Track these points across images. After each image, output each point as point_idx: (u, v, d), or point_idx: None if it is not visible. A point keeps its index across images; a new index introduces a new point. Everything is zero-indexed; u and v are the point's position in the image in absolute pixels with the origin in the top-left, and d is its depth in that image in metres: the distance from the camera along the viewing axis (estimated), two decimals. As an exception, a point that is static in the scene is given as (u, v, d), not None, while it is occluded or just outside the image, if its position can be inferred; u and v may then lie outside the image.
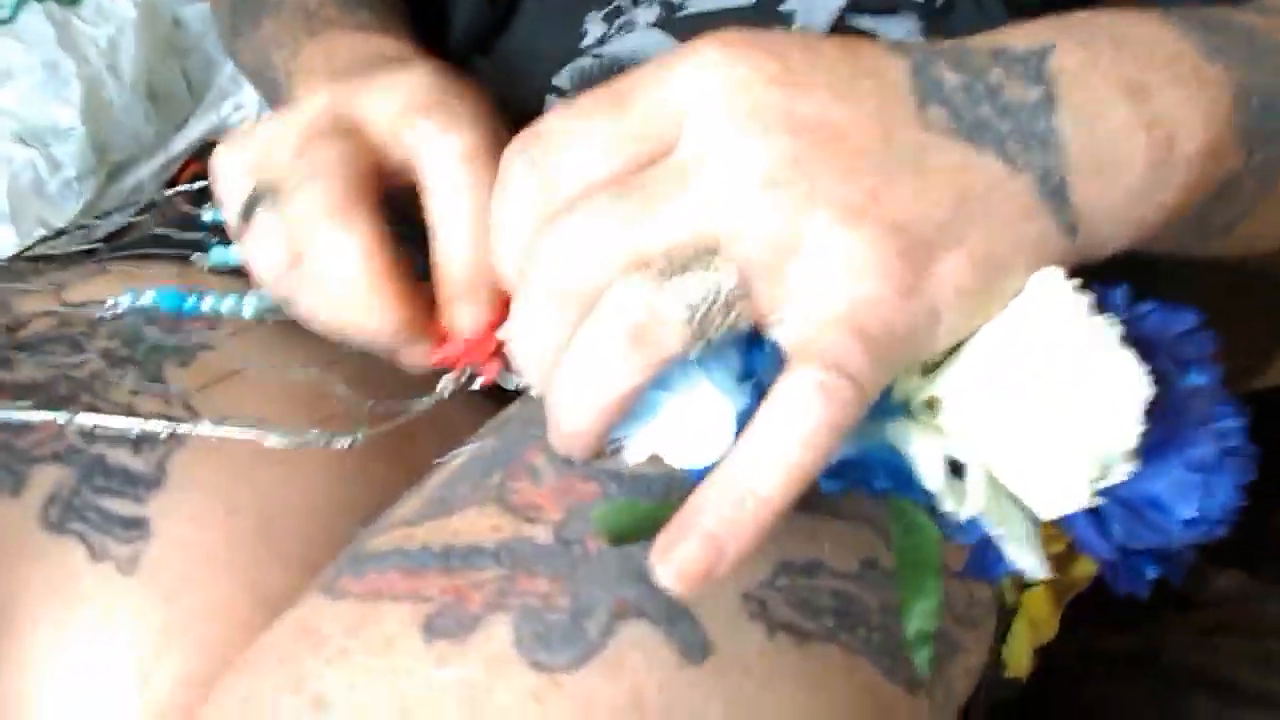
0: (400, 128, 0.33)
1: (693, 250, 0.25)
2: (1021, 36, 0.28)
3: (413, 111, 0.33)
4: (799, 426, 0.23)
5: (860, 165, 0.25)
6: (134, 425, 0.29)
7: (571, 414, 0.25)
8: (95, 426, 0.30)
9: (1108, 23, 0.28)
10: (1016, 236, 0.26)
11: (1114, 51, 0.27)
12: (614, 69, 0.47)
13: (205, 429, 0.30)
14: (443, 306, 0.33)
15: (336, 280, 0.31)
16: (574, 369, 0.25)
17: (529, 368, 0.26)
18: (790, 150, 0.25)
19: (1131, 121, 0.27)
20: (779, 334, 0.25)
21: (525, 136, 0.27)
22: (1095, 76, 0.27)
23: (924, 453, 0.26)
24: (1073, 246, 0.27)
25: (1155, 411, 0.25)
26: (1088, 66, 0.27)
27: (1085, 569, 0.39)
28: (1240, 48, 0.29)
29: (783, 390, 0.24)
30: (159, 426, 0.29)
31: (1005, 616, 0.39)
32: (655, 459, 0.28)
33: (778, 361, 0.28)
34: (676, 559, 0.23)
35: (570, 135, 0.26)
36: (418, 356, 0.33)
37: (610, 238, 0.25)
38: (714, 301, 0.24)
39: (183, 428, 0.29)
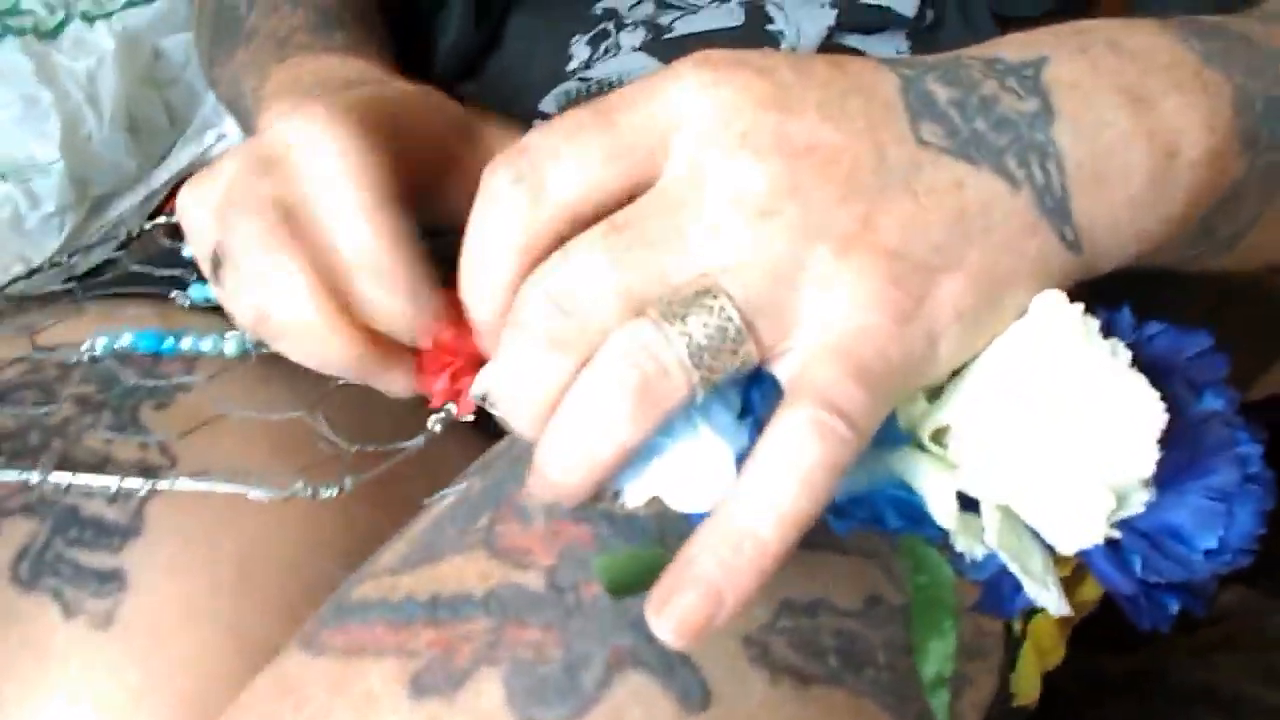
0: None
1: (693, 290, 0.24)
2: (1016, 47, 0.27)
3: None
4: (794, 468, 0.22)
5: (853, 189, 0.24)
6: (111, 483, 0.28)
7: (566, 468, 0.24)
8: (70, 485, 0.28)
9: (1103, 32, 0.27)
10: (1017, 254, 0.25)
11: (1112, 59, 0.26)
12: (600, 92, 0.46)
13: (185, 484, 0.28)
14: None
15: (287, 318, 0.30)
16: (573, 422, 0.24)
17: (517, 416, 0.25)
18: (784, 177, 0.24)
19: (1132, 130, 0.26)
20: (779, 369, 0.24)
21: (509, 153, 0.26)
22: (1093, 85, 0.26)
23: (935, 490, 0.25)
24: (1076, 262, 0.26)
25: (1171, 438, 0.24)
26: (1085, 76, 0.26)
27: (1091, 593, 0.38)
28: (1238, 54, 0.28)
29: (777, 430, 0.23)
30: (137, 484, 0.28)
31: (1012, 646, 0.38)
32: (651, 500, 0.27)
33: (776, 396, 0.27)
34: (675, 611, 0.22)
35: (556, 151, 0.25)
36: (398, 384, 0.32)
37: (606, 280, 0.24)
38: (720, 344, 0.23)
39: (162, 484, 0.28)
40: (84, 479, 0.29)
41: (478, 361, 0.31)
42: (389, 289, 0.30)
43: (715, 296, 0.23)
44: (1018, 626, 0.38)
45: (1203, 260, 0.32)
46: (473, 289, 0.26)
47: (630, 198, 0.25)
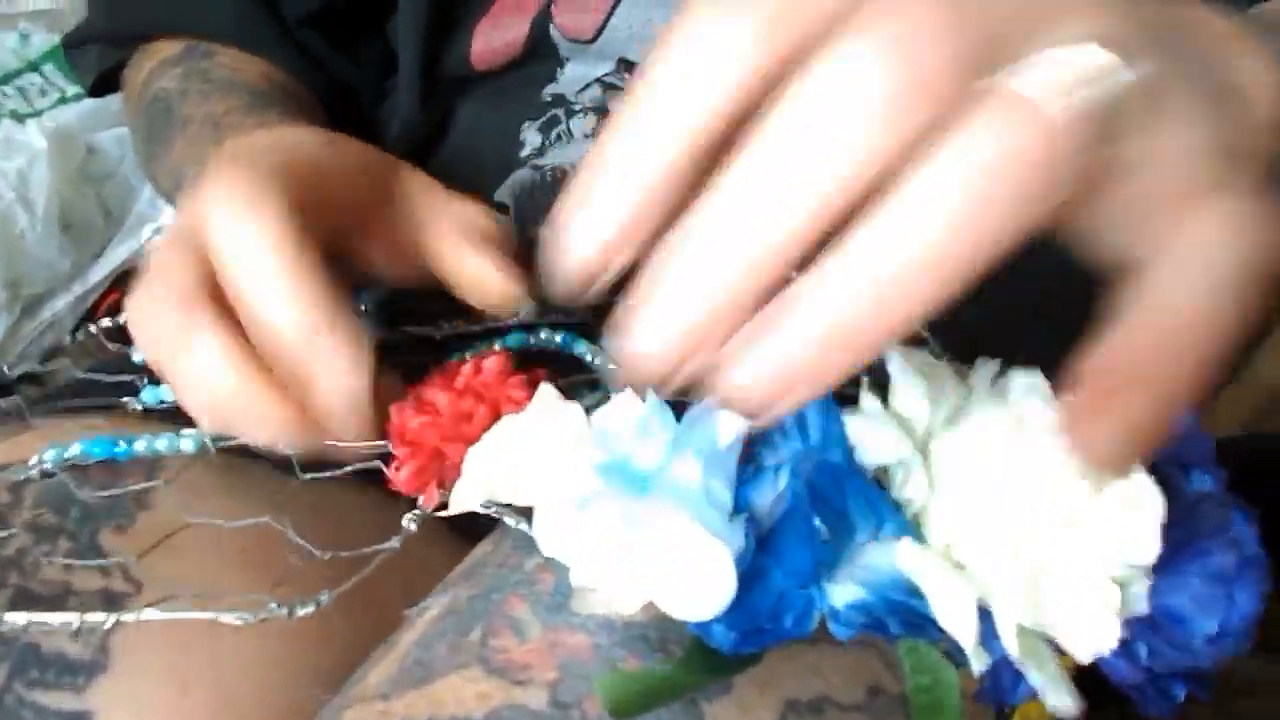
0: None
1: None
2: None
3: (204, 204, 0.30)
4: (1237, 260, 0.20)
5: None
6: (72, 620, 0.27)
7: (912, 271, 0.18)
8: (29, 623, 0.27)
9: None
10: None
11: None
12: (555, 180, 0.46)
13: (151, 614, 0.27)
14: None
15: (222, 397, 0.28)
16: (948, 208, 0.17)
17: (802, 200, 0.18)
18: None
19: None
20: (1151, 173, 0.21)
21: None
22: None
23: (955, 609, 0.24)
24: None
25: (1166, 522, 0.24)
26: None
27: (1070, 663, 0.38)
28: None
29: (1198, 225, 0.20)
30: (100, 618, 0.27)
31: (1003, 730, 0.37)
32: (647, 606, 0.27)
33: (771, 493, 0.26)
34: (1124, 415, 0.19)
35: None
36: (351, 433, 0.30)
37: (941, 30, 0.18)
38: (1109, 94, 0.19)
39: (127, 616, 0.27)
40: (42, 617, 0.27)
41: (439, 454, 0.30)
42: (325, 348, 0.28)
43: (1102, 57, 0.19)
44: (1009, 710, 0.37)
45: None
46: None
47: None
